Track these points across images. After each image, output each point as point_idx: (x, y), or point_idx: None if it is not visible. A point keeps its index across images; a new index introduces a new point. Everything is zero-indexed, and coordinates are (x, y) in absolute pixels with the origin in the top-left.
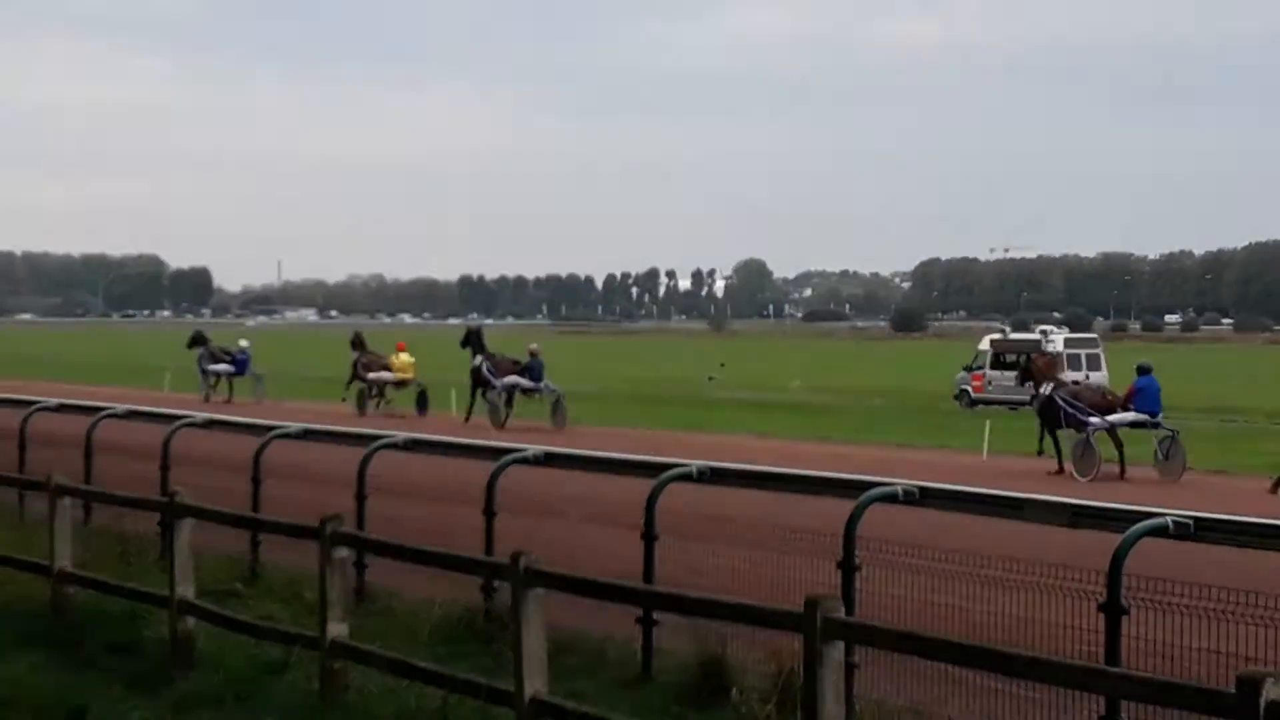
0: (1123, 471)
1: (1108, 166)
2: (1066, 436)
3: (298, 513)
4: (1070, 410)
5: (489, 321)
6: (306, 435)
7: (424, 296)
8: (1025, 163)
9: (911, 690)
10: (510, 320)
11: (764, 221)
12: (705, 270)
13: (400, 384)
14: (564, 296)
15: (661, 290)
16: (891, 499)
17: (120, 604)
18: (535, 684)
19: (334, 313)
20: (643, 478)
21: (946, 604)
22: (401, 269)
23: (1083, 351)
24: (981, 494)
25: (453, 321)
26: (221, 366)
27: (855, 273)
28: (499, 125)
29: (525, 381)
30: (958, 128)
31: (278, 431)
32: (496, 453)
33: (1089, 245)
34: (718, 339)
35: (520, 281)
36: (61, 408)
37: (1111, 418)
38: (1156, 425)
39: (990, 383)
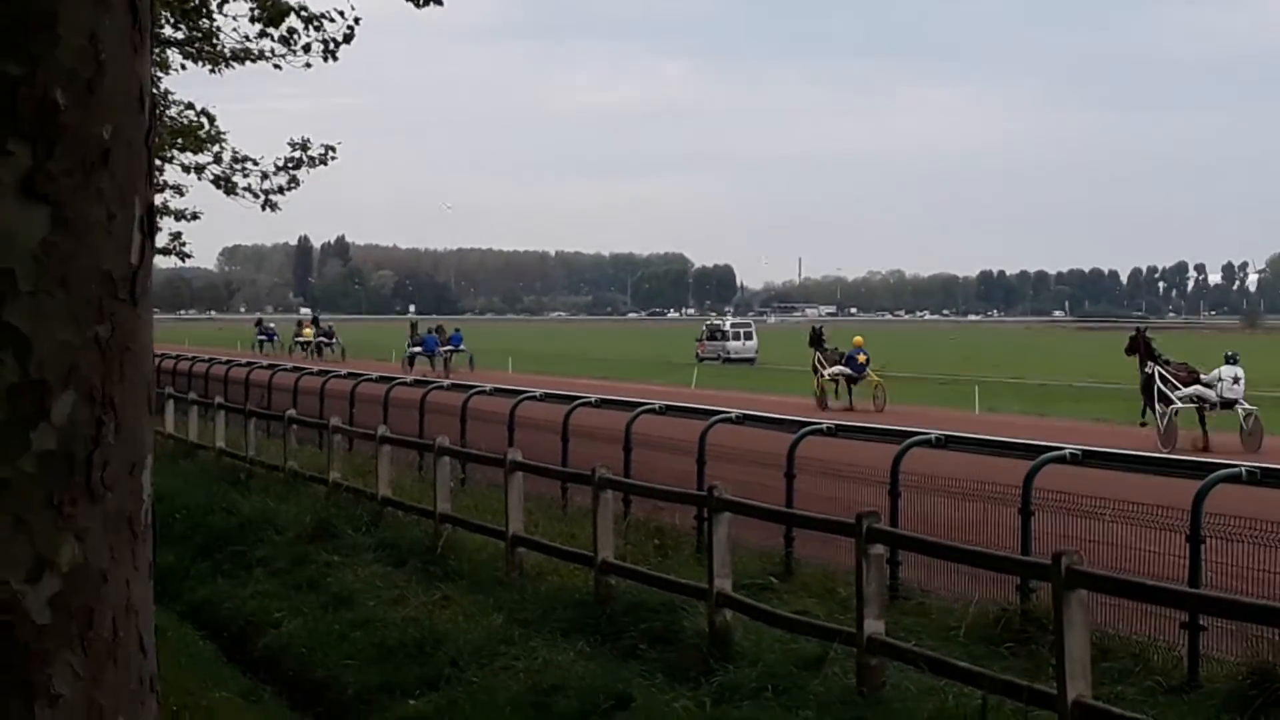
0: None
1: None
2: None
3: (820, 508)
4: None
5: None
6: (838, 432)
7: (943, 292)
8: None
9: None
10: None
11: None
12: (1237, 264)
13: None
14: (1086, 292)
15: (1190, 285)
16: None
17: (658, 595)
18: (1078, 687)
19: (853, 309)
20: (1186, 478)
21: None
22: (921, 264)
23: (741, 329)
24: None
25: (971, 318)
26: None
27: None
28: (1020, 119)
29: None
30: None
31: (809, 429)
32: (1031, 451)
33: None
34: (1250, 335)
35: (1041, 276)
36: (601, 403)
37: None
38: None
39: (706, 349)
